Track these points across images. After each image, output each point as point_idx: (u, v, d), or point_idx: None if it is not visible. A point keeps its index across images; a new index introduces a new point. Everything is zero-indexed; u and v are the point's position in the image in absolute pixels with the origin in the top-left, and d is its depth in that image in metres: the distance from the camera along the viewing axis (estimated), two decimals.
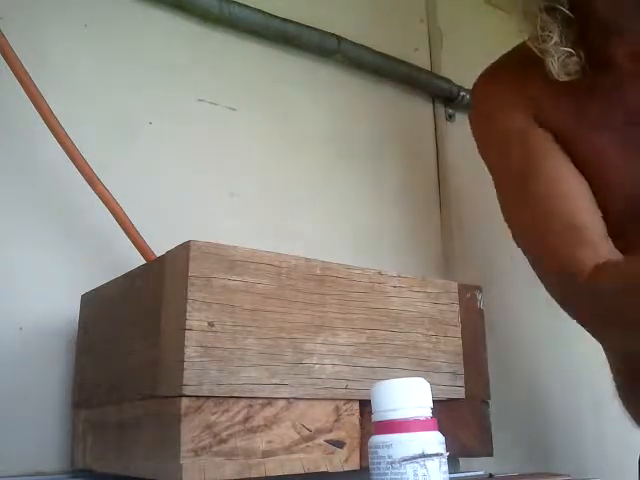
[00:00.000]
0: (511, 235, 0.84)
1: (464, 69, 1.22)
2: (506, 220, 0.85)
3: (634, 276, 0.71)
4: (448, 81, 1.30)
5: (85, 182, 0.79)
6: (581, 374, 1.28)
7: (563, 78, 0.77)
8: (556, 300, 0.79)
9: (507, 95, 0.84)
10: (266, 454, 0.56)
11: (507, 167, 0.85)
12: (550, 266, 0.79)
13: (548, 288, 0.80)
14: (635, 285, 0.70)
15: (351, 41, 1.15)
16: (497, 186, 0.86)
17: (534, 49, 0.77)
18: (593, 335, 0.79)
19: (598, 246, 0.76)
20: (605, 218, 0.80)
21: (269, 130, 1.07)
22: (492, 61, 0.89)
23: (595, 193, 0.81)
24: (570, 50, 0.75)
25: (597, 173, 0.80)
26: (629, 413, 0.91)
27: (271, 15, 1.06)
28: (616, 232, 0.80)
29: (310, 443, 0.59)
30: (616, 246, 0.78)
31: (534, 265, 0.81)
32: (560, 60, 0.76)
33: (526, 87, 0.82)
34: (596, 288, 0.73)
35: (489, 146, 0.88)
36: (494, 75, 0.88)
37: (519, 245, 0.83)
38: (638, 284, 0.70)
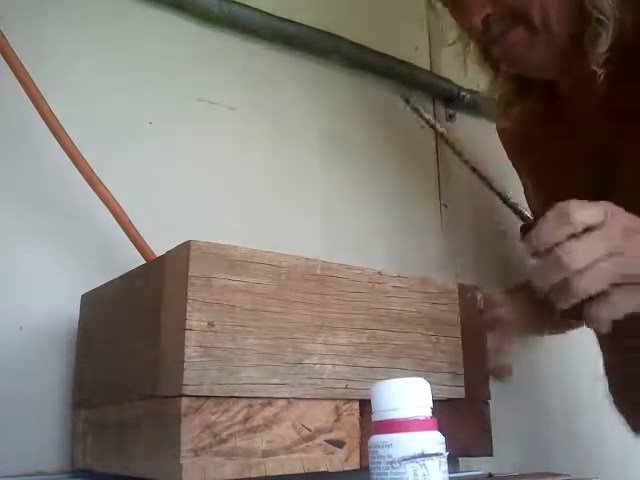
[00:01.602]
0: None
1: (464, 69, 1.22)
2: None
3: None
4: (448, 81, 1.30)
5: (85, 182, 0.79)
6: (581, 374, 1.27)
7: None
8: None
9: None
10: (266, 454, 0.56)
11: None
12: None
13: None
14: None
15: (351, 41, 1.15)
16: None
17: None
18: None
19: None
20: None
21: (269, 130, 1.07)
22: None
23: None
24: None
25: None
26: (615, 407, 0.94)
27: (271, 15, 1.06)
28: None
29: (310, 443, 0.58)
30: None
31: None
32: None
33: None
34: None
35: None
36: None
37: None
38: None
